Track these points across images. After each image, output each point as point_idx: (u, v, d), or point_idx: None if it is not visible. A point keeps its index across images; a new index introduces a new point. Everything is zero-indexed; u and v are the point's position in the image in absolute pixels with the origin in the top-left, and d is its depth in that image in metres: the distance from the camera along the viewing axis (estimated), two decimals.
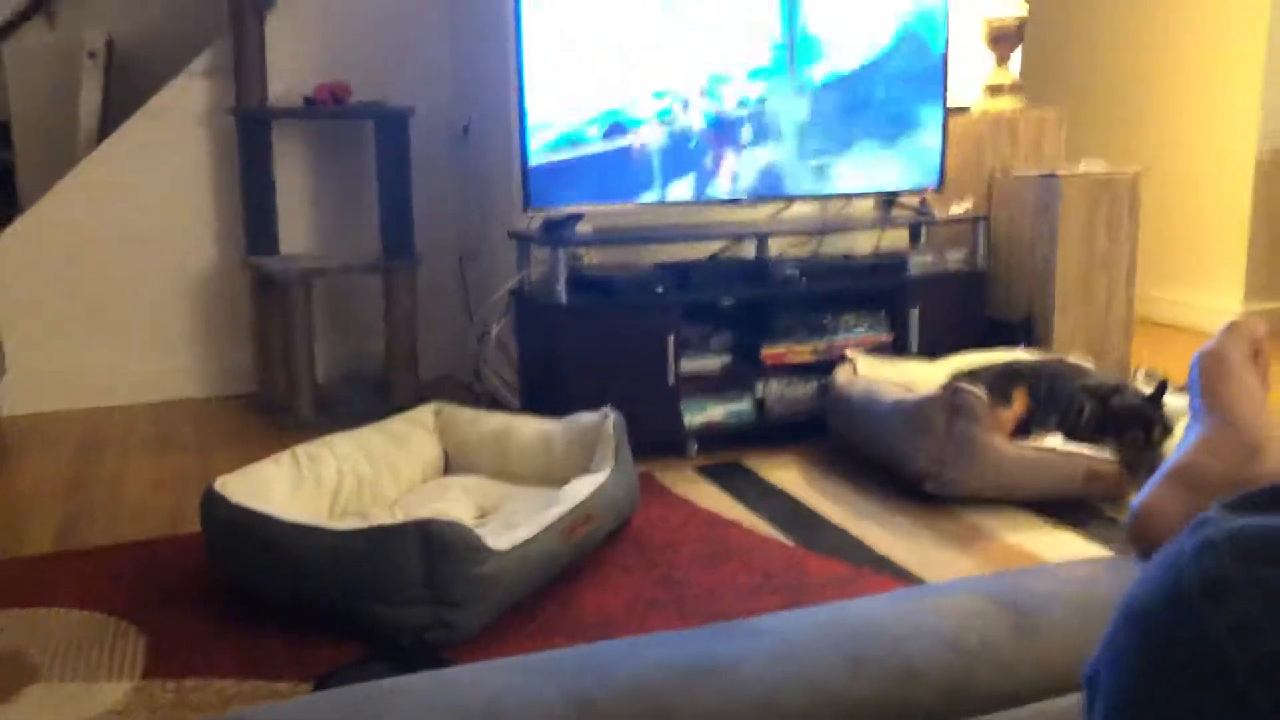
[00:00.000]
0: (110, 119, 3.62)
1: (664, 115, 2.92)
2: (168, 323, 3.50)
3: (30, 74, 3.84)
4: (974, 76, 3.55)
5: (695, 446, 2.87)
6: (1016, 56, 3.56)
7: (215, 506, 2.00)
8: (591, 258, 3.09)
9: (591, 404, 2.46)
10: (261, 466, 2.17)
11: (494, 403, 3.21)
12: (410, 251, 3.32)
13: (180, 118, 3.43)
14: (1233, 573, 0.37)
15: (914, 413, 2.51)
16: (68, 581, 2.11)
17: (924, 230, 3.43)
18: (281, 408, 3.23)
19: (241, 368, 3.54)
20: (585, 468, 2.31)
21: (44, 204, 3.35)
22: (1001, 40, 3.47)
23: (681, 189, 2.97)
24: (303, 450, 2.27)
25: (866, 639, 0.74)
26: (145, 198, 3.43)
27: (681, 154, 2.96)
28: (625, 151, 2.90)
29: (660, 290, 2.82)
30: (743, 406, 2.96)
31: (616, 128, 2.88)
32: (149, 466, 2.85)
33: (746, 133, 3.02)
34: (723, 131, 2.99)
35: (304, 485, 2.21)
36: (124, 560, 2.22)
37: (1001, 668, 0.72)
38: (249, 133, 3.35)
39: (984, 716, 0.68)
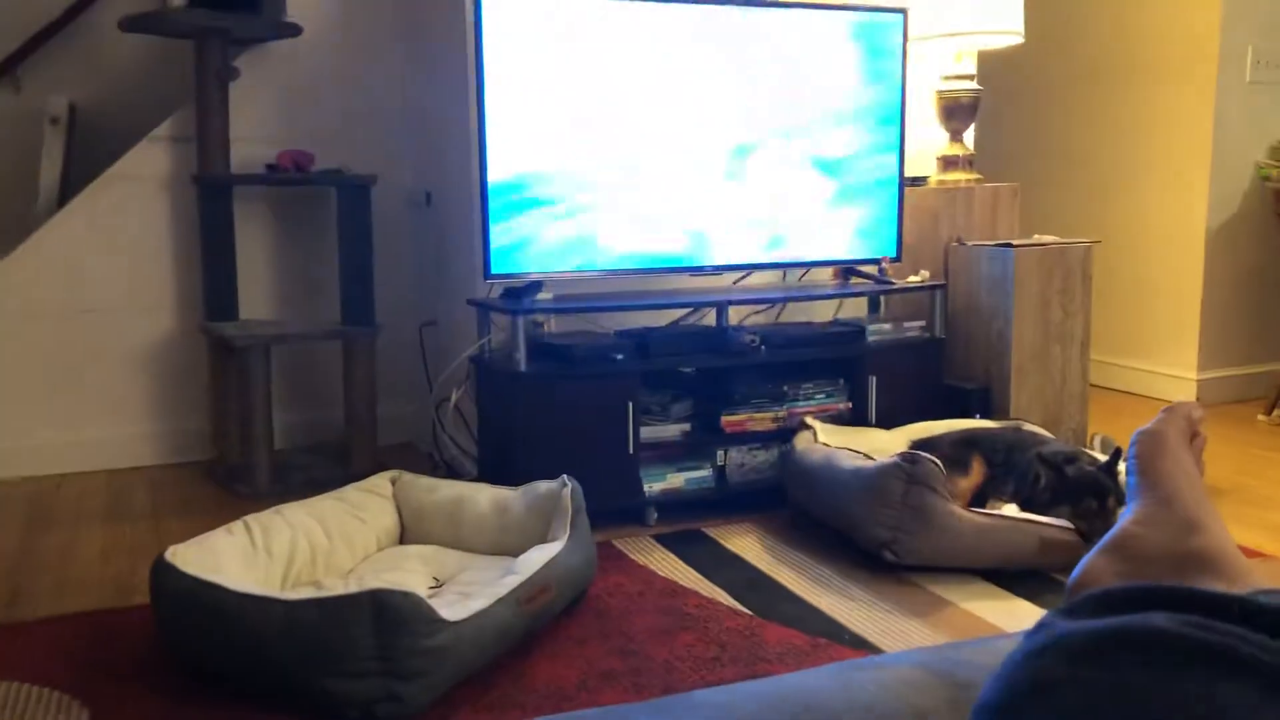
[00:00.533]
0: (71, 184, 3.61)
1: (627, 183, 2.96)
2: (124, 389, 3.46)
3: None
4: (930, 147, 3.63)
5: (655, 514, 2.87)
6: (971, 131, 3.64)
7: (165, 577, 1.96)
8: (552, 325, 3.11)
9: (550, 472, 2.45)
10: (213, 536, 2.14)
11: (452, 471, 3.20)
12: (371, 319, 3.32)
13: (142, 184, 3.44)
14: (1057, 674, 0.39)
15: (872, 481, 2.52)
16: (11, 656, 2.06)
17: (882, 299, 3.48)
18: (238, 476, 3.20)
19: (198, 435, 3.51)
20: (542, 537, 2.30)
21: (2, 268, 3.33)
22: (955, 114, 3.56)
23: (642, 257, 3.00)
24: (255, 520, 2.25)
25: (802, 712, 0.74)
26: (105, 263, 3.41)
27: (642, 222, 2.99)
28: (587, 219, 2.93)
29: (620, 358, 2.84)
30: (703, 474, 2.96)
31: (579, 196, 2.91)
32: (99, 536, 2.80)
33: (709, 201, 3.06)
34: (685, 199, 3.03)
35: (256, 555, 2.18)
36: (70, 633, 2.17)
37: None
38: (210, 199, 3.36)
39: None
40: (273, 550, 2.21)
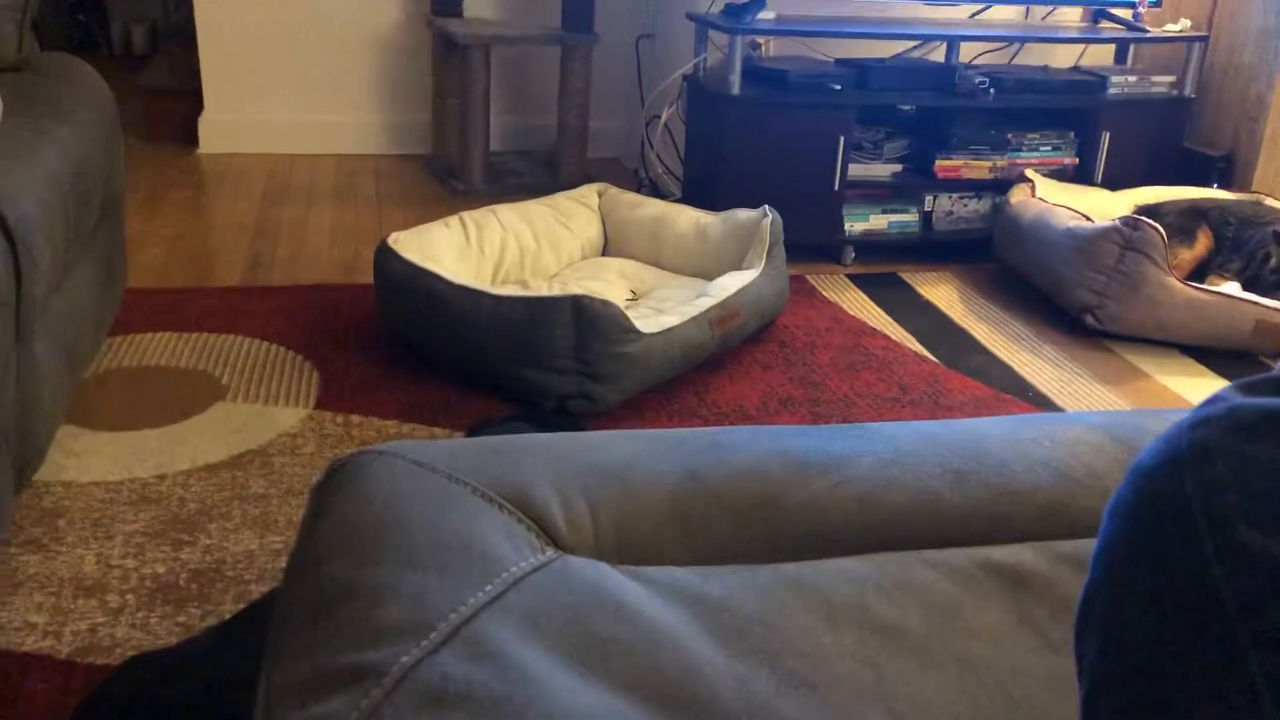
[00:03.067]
0: None
1: None
2: (353, 78, 3.60)
3: None
4: None
5: (853, 254, 2.85)
6: None
7: (387, 260, 2.12)
8: (770, 49, 3.01)
9: (752, 200, 2.46)
10: (432, 228, 2.28)
11: (656, 190, 3.24)
12: (589, 26, 3.29)
13: None
14: (1218, 442, 0.40)
15: (1086, 242, 2.42)
16: (252, 315, 2.30)
17: (1132, 48, 3.20)
18: (454, 172, 3.33)
19: (419, 129, 3.64)
20: (738, 263, 2.34)
21: None
22: None
23: None
24: (470, 216, 2.36)
25: (974, 455, 0.77)
26: None
27: None
28: None
29: (837, 88, 2.74)
30: (908, 218, 2.90)
31: None
32: (328, 216, 3.01)
33: None
34: None
35: (470, 250, 2.31)
36: (303, 301, 2.39)
37: (1103, 498, 0.74)
38: None
39: (1073, 541, 0.71)
40: (485, 248, 2.34)
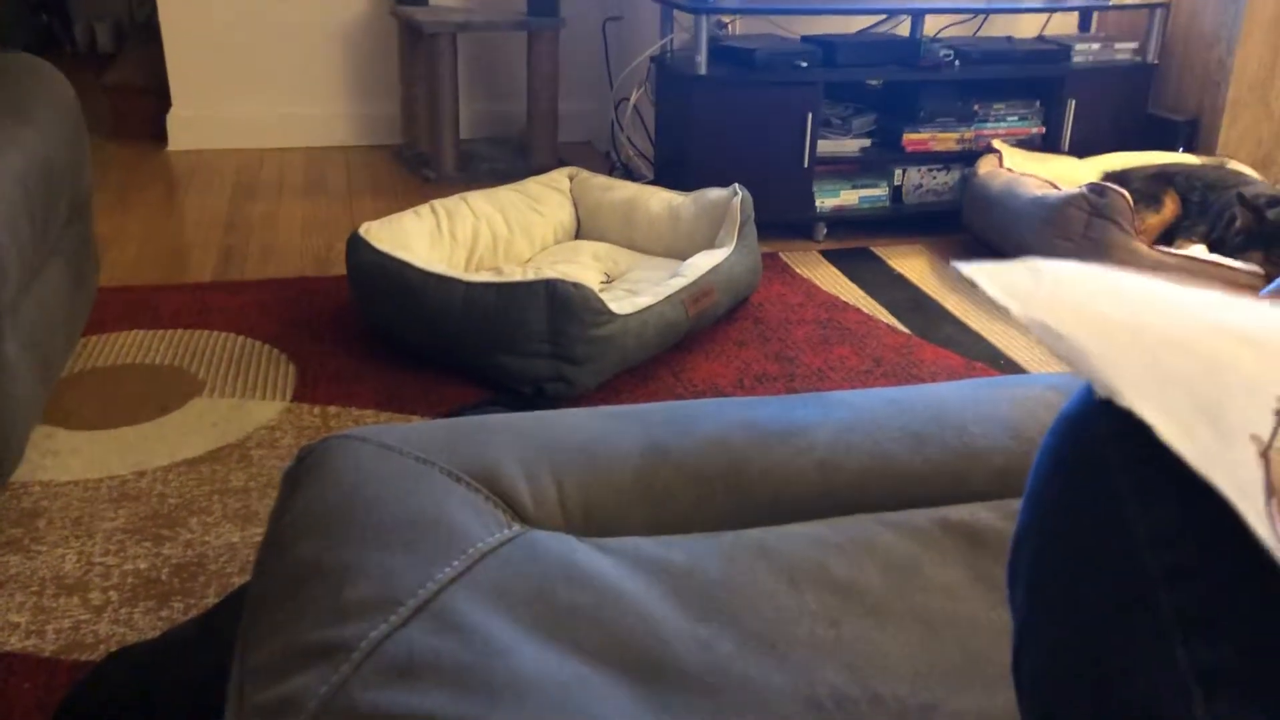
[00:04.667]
0: None
1: None
2: (321, 70, 3.59)
3: None
4: None
5: (824, 230, 2.87)
6: None
7: (359, 251, 2.12)
8: (737, 27, 3.02)
9: (723, 180, 2.47)
10: (403, 217, 2.28)
11: (628, 172, 3.24)
12: (555, 10, 3.28)
13: None
14: None
15: (1053, 211, 2.44)
16: (226, 309, 2.30)
17: (1095, 16, 3.22)
18: (425, 161, 3.33)
19: (388, 119, 3.63)
20: (710, 242, 2.35)
21: None
22: None
23: None
24: (441, 205, 2.37)
25: (934, 419, 0.78)
26: None
27: None
28: None
29: (804, 65, 2.75)
30: (878, 193, 2.92)
31: None
32: (299, 209, 3.01)
33: None
34: None
35: (442, 238, 2.32)
36: (277, 294, 2.39)
37: None
38: None
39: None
40: (457, 235, 2.34)
